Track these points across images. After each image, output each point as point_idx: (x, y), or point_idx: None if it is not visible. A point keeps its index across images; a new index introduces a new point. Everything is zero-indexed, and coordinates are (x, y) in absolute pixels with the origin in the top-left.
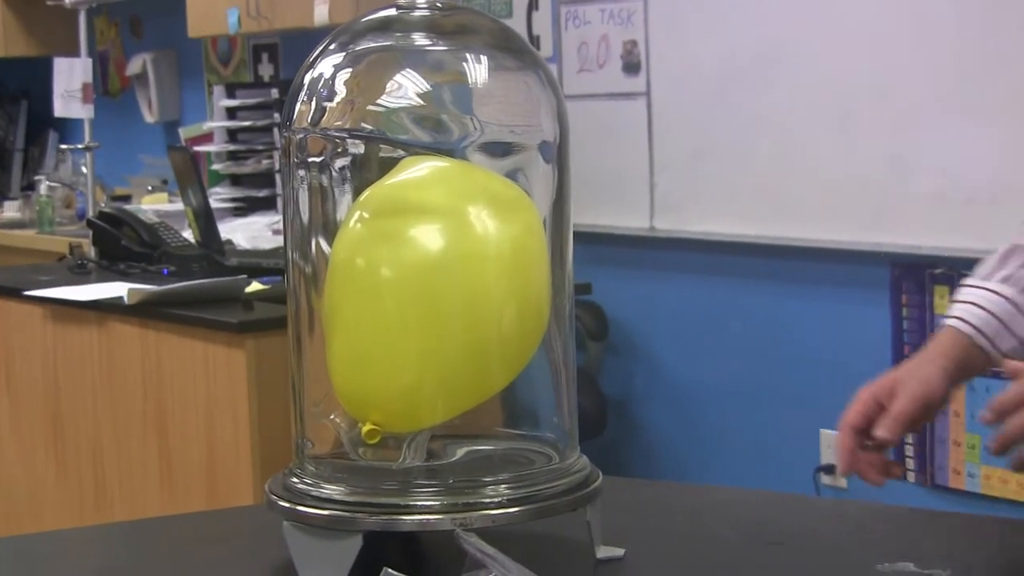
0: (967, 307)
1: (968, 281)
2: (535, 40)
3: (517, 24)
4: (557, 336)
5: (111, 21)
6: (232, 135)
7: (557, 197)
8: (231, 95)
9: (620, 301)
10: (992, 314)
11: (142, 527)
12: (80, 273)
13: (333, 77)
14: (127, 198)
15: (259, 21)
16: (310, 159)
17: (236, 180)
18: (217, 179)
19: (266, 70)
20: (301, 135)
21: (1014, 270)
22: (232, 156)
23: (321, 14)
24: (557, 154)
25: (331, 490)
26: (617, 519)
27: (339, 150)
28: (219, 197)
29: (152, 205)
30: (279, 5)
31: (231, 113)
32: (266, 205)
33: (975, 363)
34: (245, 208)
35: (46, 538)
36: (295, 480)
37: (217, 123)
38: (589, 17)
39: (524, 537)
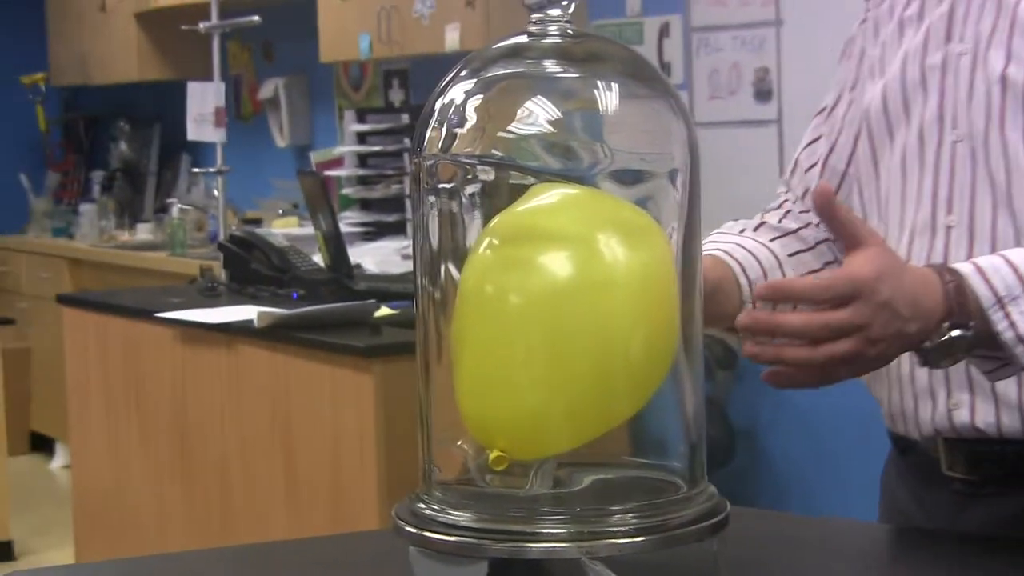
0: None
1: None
2: (666, 67)
3: (648, 51)
4: (686, 365)
5: (244, 46)
6: (362, 160)
7: (687, 225)
8: (362, 120)
9: None
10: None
11: (267, 550)
12: (210, 296)
13: (464, 103)
14: (258, 222)
15: (390, 46)
16: (440, 185)
17: (366, 205)
18: (347, 203)
19: (397, 95)
20: (432, 161)
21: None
22: (362, 181)
23: (452, 40)
24: (687, 182)
25: (458, 516)
26: (743, 551)
27: (469, 176)
28: (349, 221)
29: (282, 229)
30: (410, 31)
31: (361, 138)
32: (395, 230)
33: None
34: (375, 233)
35: (171, 560)
36: (422, 506)
37: (348, 148)
38: (721, 44)
39: (650, 567)
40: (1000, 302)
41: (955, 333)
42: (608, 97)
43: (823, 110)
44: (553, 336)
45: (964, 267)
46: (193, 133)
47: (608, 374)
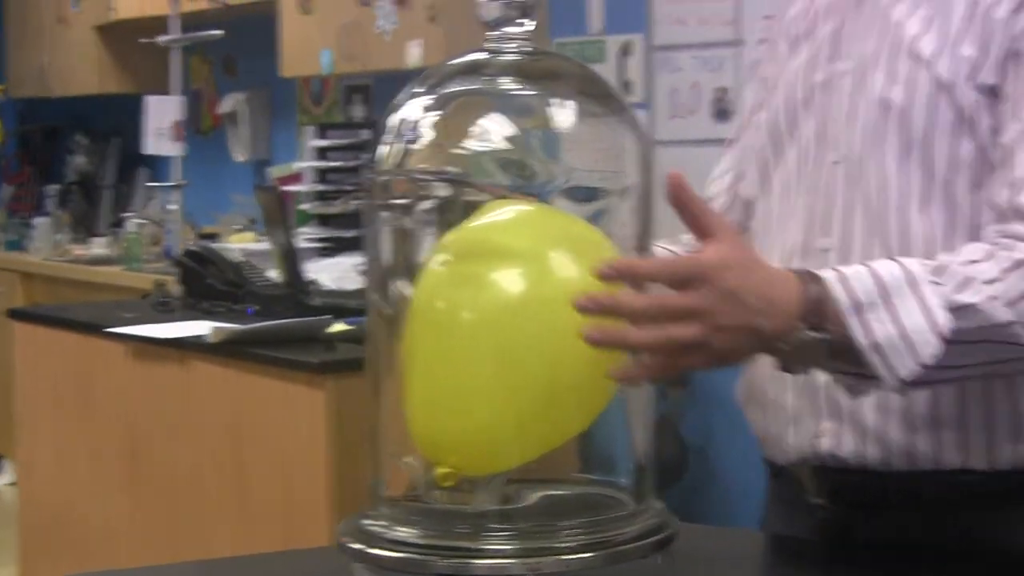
0: None
1: None
2: (627, 85)
3: (610, 69)
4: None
5: (205, 60)
6: (322, 175)
7: (640, 242)
8: (322, 135)
9: None
10: None
11: (216, 566)
12: (164, 311)
13: (419, 119)
14: (215, 236)
15: (352, 62)
16: (393, 201)
17: (324, 220)
18: (305, 219)
19: (358, 111)
20: (386, 177)
21: None
22: (321, 196)
23: (414, 56)
24: (642, 199)
25: (404, 533)
26: (690, 567)
27: (423, 192)
28: (306, 237)
29: (239, 244)
30: (372, 47)
31: (322, 153)
32: (353, 246)
33: None
34: (332, 248)
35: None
36: (368, 522)
37: (307, 163)
38: (681, 64)
39: None
40: (858, 308)
41: (809, 334)
42: (563, 115)
43: (730, 141)
44: (503, 353)
45: (827, 273)
46: (151, 147)
47: (557, 391)
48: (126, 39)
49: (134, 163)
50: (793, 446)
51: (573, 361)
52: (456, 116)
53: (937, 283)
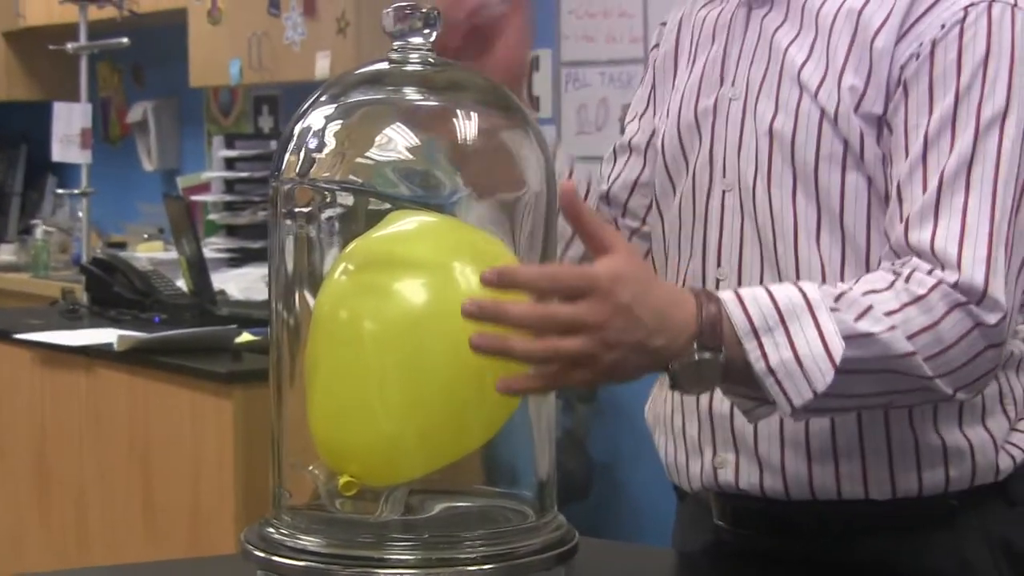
0: None
1: None
2: (535, 101)
3: None
4: (538, 395)
5: (114, 68)
6: (230, 186)
7: (542, 253)
8: (230, 146)
9: None
10: None
11: (122, 572)
12: (71, 318)
13: (323, 128)
14: (123, 245)
15: (261, 73)
16: (297, 209)
17: (232, 231)
18: (213, 229)
19: (267, 122)
20: (289, 185)
21: None
22: (229, 207)
23: (322, 68)
24: (544, 211)
25: (307, 541)
26: None
27: (327, 201)
28: (214, 247)
29: (147, 253)
30: (281, 58)
31: (230, 164)
32: (261, 256)
33: None
34: (240, 259)
35: None
36: (271, 530)
37: (215, 173)
38: (589, 80)
39: None
40: (755, 331)
41: (704, 355)
42: (467, 126)
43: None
44: (406, 363)
45: (725, 294)
46: (58, 154)
47: (460, 402)
48: (35, 46)
49: (43, 170)
50: (695, 474)
51: (475, 373)
52: (359, 125)
53: (836, 310)
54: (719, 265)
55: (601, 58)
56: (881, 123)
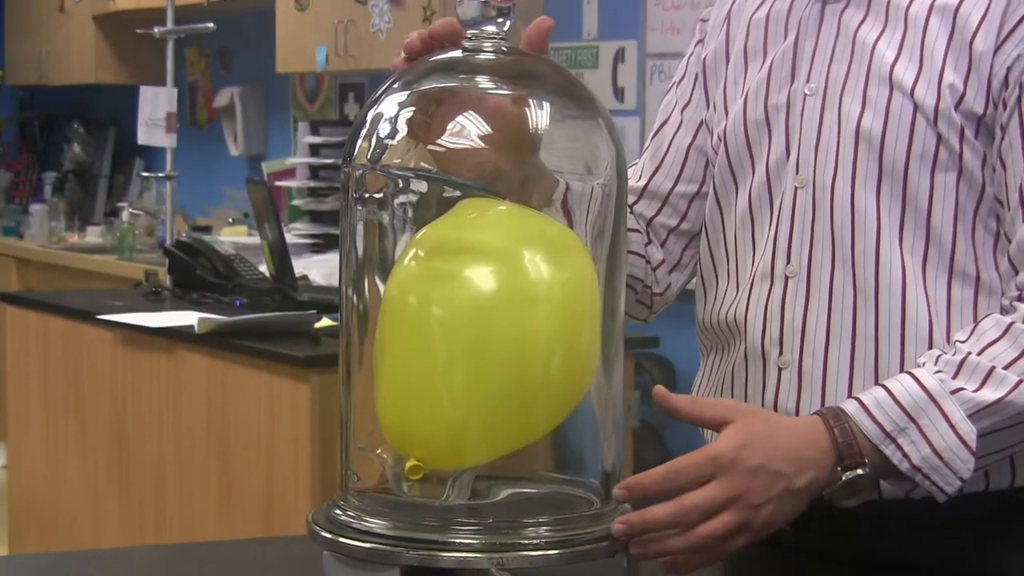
0: None
1: None
2: (620, 92)
3: (603, 75)
4: (605, 384)
5: (202, 53)
6: (314, 172)
7: (612, 246)
8: (315, 132)
9: (688, 355)
10: None
11: (197, 549)
12: (154, 300)
13: (395, 115)
14: (208, 229)
15: (347, 60)
16: (368, 195)
17: (315, 216)
18: (297, 215)
19: (352, 109)
20: (360, 171)
21: None
22: (313, 192)
23: None
24: (614, 202)
25: (373, 523)
26: (655, 568)
27: (398, 188)
28: (298, 232)
29: (231, 237)
30: (367, 46)
31: (314, 150)
32: None
33: None
34: (323, 245)
35: (104, 555)
36: (338, 512)
37: (300, 159)
38: (674, 71)
39: None
40: (889, 436)
41: (852, 475)
42: (539, 115)
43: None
44: (473, 349)
45: (848, 406)
46: (143, 137)
47: (526, 390)
48: (124, 30)
49: (130, 154)
50: None
51: (541, 362)
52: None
53: (957, 390)
54: (788, 262)
55: (686, 49)
56: (980, 122)
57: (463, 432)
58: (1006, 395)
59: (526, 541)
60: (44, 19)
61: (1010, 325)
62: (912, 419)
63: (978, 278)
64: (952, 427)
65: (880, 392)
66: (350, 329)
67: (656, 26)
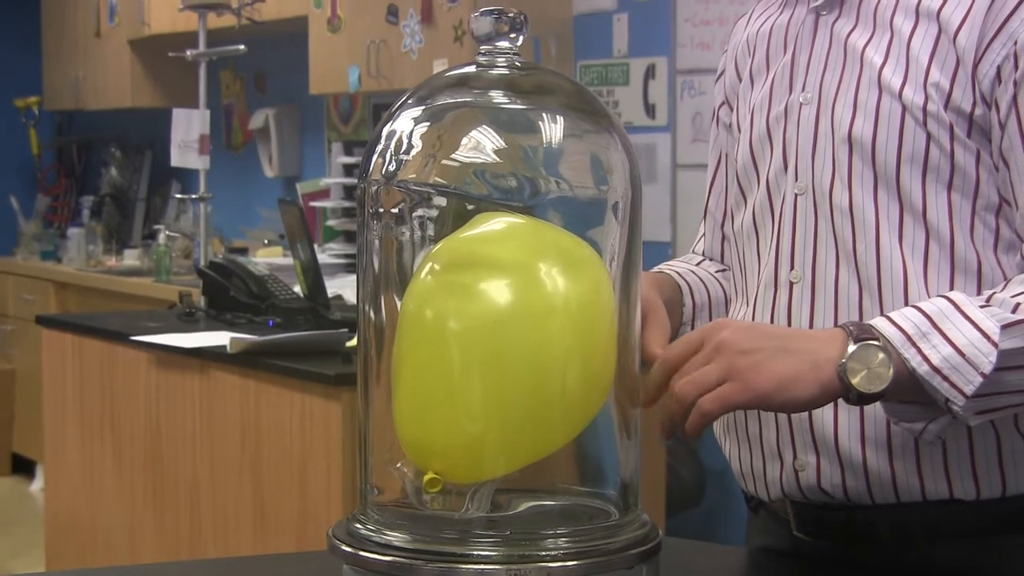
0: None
1: None
2: (651, 109)
3: (634, 92)
4: (623, 395)
5: (237, 75)
6: (348, 192)
7: (626, 258)
8: (349, 152)
9: None
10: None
11: (232, 565)
12: (188, 321)
13: (411, 131)
14: (244, 250)
15: (379, 80)
16: (384, 210)
17: (350, 236)
18: (331, 235)
19: None
20: (376, 187)
21: None
22: (347, 212)
23: None
24: (628, 215)
25: (392, 537)
26: None
27: (414, 203)
28: (332, 253)
29: (265, 258)
30: (399, 65)
31: (348, 170)
32: None
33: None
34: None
35: (140, 571)
36: (358, 526)
37: (334, 179)
38: (704, 87)
39: None
40: (910, 339)
41: (865, 344)
42: (553, 129)
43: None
44: (490, 362)
45: (874, 320)
46: (177, 159)
47: (544, 402)
48: (159, 54)
49: (166, 176)
50: (774, 479)
51: (558, 374)
52: (447, 128)
53: (986, 306)
54: (792, 268)
55: (716, 65)
56: (972, 120)
57: (481, 445)
58: None
59: (545, 553)
60: (80, 44)
61: None
62: (935, 325)
63: (980, 271)
64: (975, 325)
65: (907, 308)
66: (368, 344)
67: (686, 42)
